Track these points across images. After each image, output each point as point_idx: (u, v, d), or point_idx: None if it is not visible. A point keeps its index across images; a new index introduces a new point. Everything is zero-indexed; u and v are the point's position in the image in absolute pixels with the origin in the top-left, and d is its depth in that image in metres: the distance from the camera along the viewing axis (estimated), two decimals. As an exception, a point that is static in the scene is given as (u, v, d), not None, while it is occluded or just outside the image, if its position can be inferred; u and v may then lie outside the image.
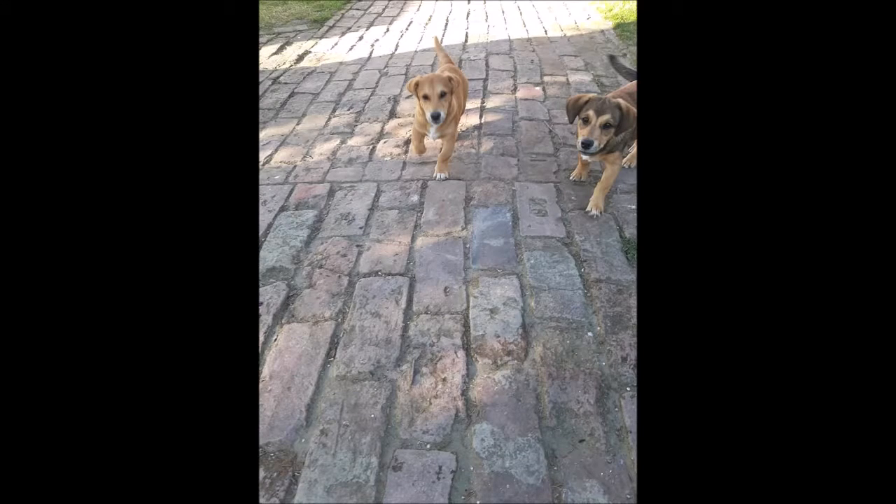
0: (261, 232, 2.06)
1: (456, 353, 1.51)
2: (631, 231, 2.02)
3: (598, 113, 1.93)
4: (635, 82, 2.31)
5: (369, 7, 5.67)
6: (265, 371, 1.47)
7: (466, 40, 4.45)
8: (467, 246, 1.96)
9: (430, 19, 5.19)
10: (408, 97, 3.29)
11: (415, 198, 2.27)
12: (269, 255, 1.94)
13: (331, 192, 2.33)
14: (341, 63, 3.96)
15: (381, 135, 2.84)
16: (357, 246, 1.98)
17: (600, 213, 2.11)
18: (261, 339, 1.58)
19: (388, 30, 4.83)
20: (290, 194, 2.32)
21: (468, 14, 5.35)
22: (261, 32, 4.75)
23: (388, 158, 2.59)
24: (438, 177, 2.39)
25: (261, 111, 3.19)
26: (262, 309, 1.69)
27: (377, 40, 4.51)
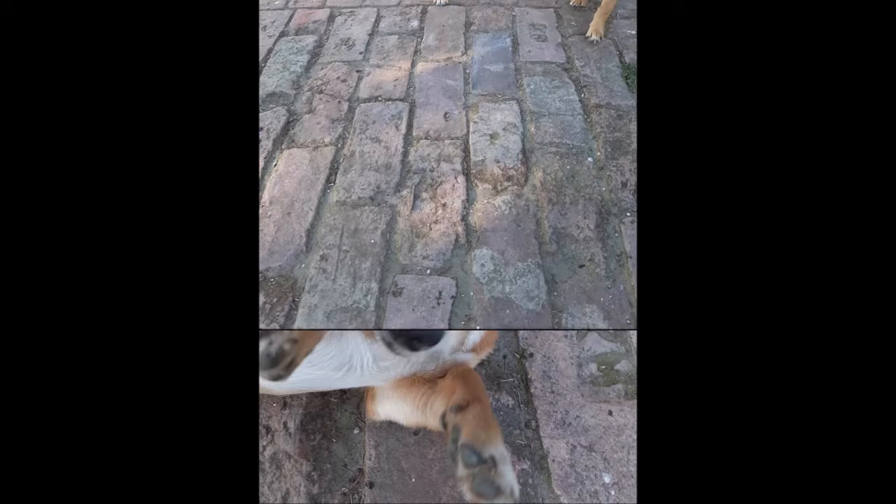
0: (260, 57, 2.04)
1: (456, 178, 1.52)
2: (631, 56, 1.99)
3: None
4: None
5: None
6: (265, 196, 1.47)
7: None
8: (467, 71, 1.96)
9: None
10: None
11: (415, 23, 2.21)
12: (269, 80, 1.94)
13: (331, 18, 2.26)
14: None
15: (378, -45, 2.66)
16: (357, 71, 1.98)
17: (600, 38, 2.07)
18: (260, 164, 1.58)
19: None
20: (290, 20, 2.25)
21: None
22: None
23: (387, -18, 2.46)
24: (438, 2, 2.31)
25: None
26: (261, 134, 1.69)
27: None
